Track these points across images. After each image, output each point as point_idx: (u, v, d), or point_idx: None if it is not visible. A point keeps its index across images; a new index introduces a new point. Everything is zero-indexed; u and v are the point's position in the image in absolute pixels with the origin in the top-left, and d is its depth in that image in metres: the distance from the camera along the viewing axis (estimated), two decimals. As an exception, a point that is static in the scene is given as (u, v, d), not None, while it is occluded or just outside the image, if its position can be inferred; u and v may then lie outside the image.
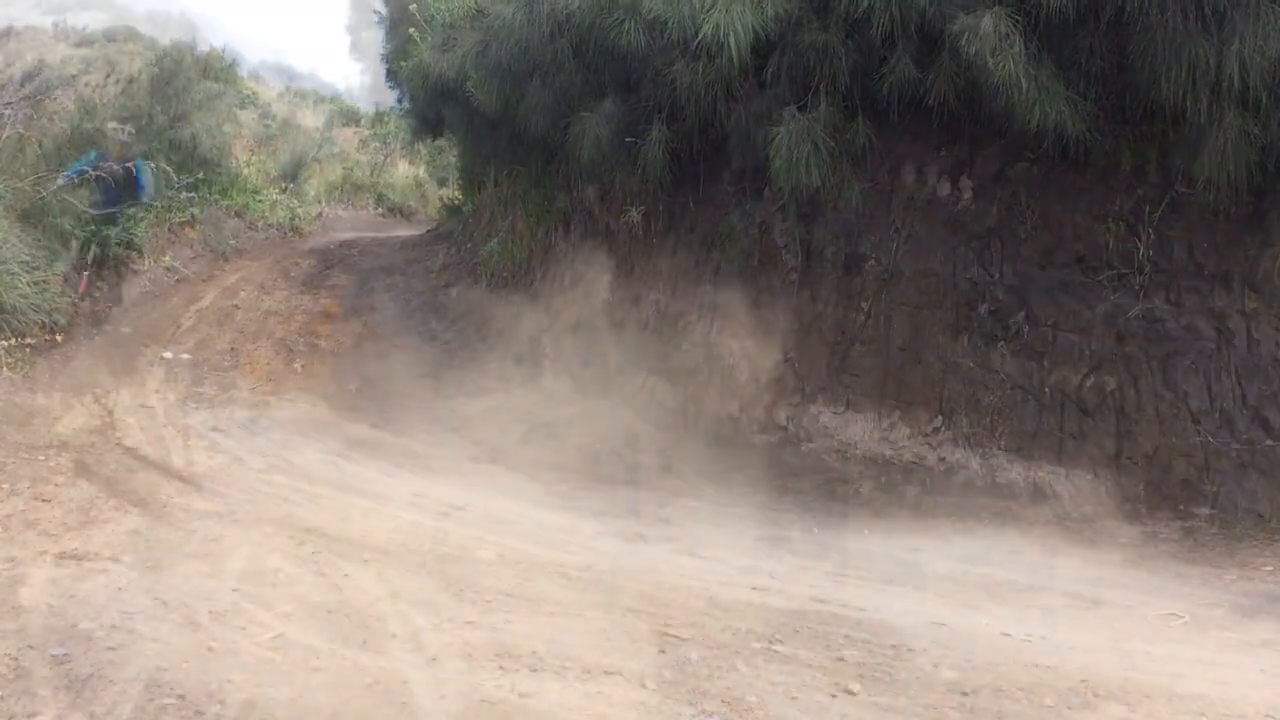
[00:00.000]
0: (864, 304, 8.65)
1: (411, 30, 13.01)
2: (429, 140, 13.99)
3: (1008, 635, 4.70)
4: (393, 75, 15.54)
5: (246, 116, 30.96)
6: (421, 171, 24.89)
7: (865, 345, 8.63)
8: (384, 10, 16.88)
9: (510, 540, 5.58)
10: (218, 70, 15.91)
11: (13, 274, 9.53)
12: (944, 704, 3.57)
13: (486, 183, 15.21)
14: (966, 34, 6.97)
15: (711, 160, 9.21)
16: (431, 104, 12.03)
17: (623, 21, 7.87)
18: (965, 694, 3.68)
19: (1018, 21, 6.94)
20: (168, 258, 14.42)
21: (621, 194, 10.25)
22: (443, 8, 12.05)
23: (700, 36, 7.54)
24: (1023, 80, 6.89)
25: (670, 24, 7.72)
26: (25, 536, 4.60)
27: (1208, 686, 4.08)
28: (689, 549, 6.36)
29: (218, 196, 16.78)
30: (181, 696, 2.66)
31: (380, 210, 23.42)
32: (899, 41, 7.45)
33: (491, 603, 3.98)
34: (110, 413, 8.91)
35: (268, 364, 11.75)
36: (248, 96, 33.29)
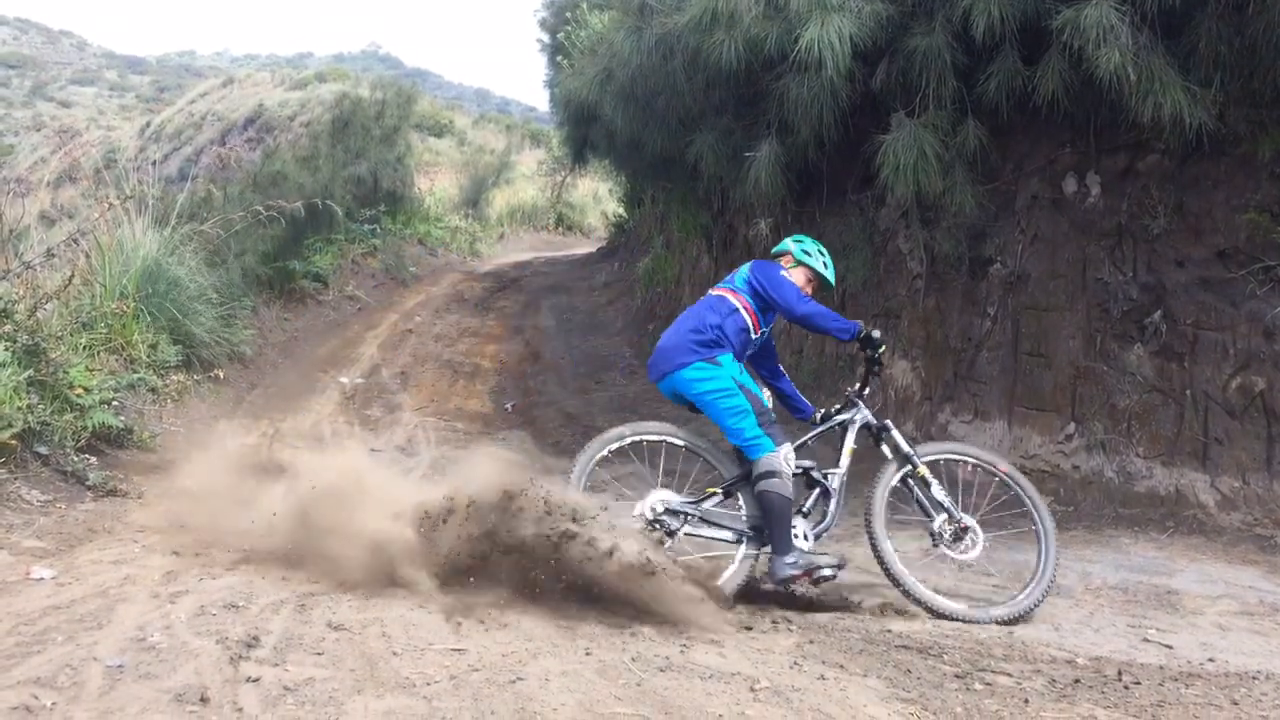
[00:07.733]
0: (990, 309, 8.41)
1: (559, 58, 13.50)
2: (585, 160, 14.40)
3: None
4: (553, 100, 16.13)
5: (444, 144, 32.48)
6: (601, 189, 25.58)
7: (992, 351, 8.38)
8: (545, 39, 17.53)
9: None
10: (395, 109, 16.88)
11: (197, 311, 10.39)
12: None
13: (644, 199, 15.59)
14: (1068, 29, 6.71)
15: (833, 170, 9.16)
16: (578, 126, 12.45)
17: (723, 41, 7.95)
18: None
19: (1124, 12, 6.63)
20: (350, 287, 15.47)
21: (750, 207, 10.32)
22: (582, 35, 12.46)
23: (797, 51, 7.55)
24: (1130, 71, 6.57)
25: (768, 40, 7.76)
26: (148, 559, 5.17)
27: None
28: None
29: (400, 226, 17.84)
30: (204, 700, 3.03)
31: (560, 229, 24.22)
32: (1003, 40, 7.23)
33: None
34: (283, 438, 9.61)
35: (432, 385, 12.43)
36: (444, 125, 34.81)
